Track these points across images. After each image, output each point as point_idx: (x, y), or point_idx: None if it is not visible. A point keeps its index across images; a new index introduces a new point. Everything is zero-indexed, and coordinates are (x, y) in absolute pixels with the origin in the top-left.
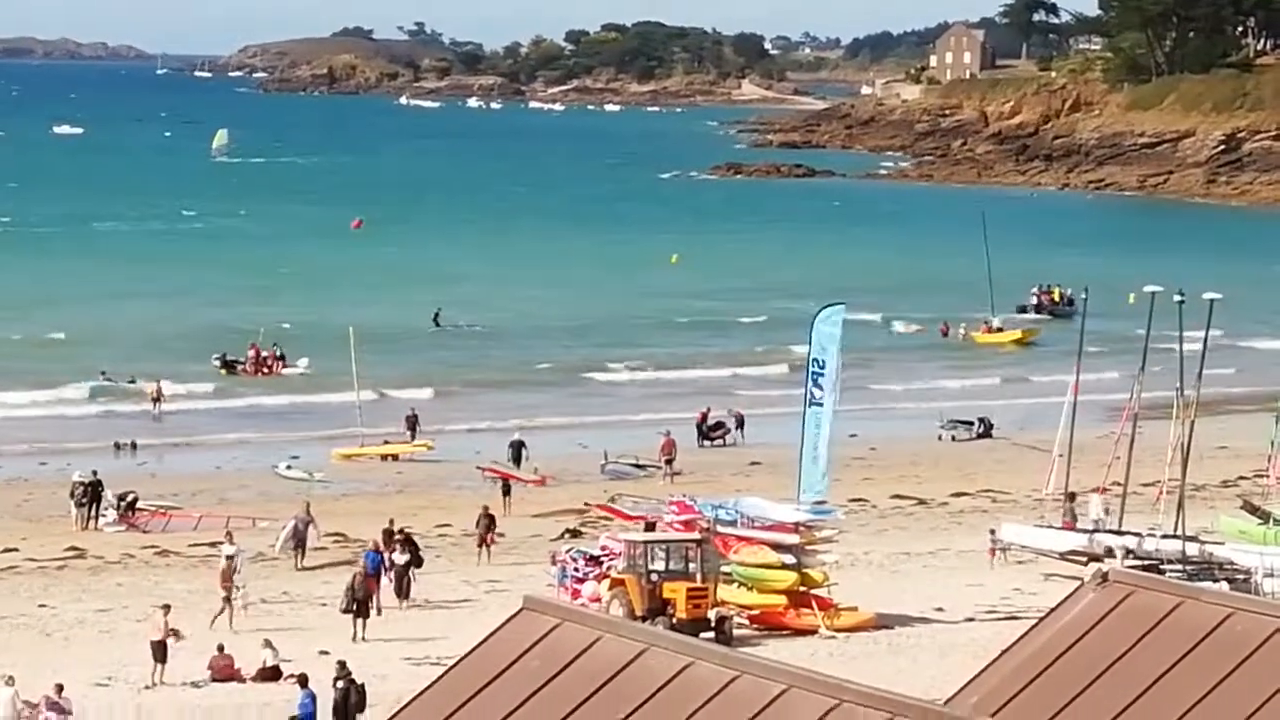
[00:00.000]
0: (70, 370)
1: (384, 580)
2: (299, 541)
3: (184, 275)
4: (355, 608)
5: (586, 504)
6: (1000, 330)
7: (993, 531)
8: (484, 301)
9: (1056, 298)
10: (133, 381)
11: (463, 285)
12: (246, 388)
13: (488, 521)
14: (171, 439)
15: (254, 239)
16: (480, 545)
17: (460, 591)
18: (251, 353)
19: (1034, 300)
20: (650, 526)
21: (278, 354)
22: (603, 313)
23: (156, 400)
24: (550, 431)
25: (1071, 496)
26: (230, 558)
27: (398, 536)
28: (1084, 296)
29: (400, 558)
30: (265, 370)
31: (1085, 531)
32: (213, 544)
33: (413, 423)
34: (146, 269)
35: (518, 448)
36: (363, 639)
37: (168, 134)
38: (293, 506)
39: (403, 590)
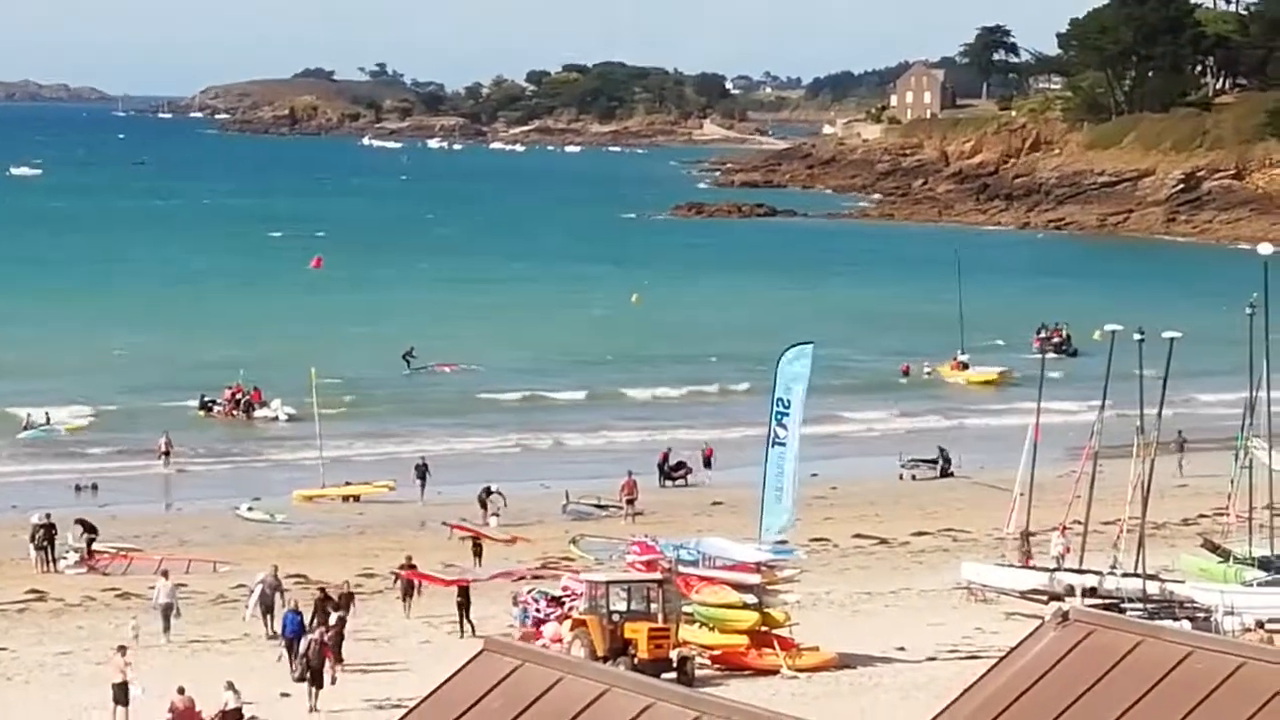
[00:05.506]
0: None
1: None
2: (267, 607)
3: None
4: (309, 676)
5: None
6: (966, 367)
7: None
8: (450, 343)
9: (1065, 337)
10: (48, 421)
11: (428, 327)
12: (218, 431)
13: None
14: (135, 481)
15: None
16: (404, 598)
17: (420, 633)
18: (228, 394)
19: (1050, 338)
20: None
21: (248, 400)
22: (564, 353)
23: (166, 454)
24: (512, 471)
25: (1029, 535)
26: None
27: (337, 596)
28: (1043, 335)
29: (331, 617)
30: (237, 412)
31: (1045, 570)
32: (176, 586)
33: (422, 472)
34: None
35: (484, 494)
36: (315, 709)
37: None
38: (253, 549)
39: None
